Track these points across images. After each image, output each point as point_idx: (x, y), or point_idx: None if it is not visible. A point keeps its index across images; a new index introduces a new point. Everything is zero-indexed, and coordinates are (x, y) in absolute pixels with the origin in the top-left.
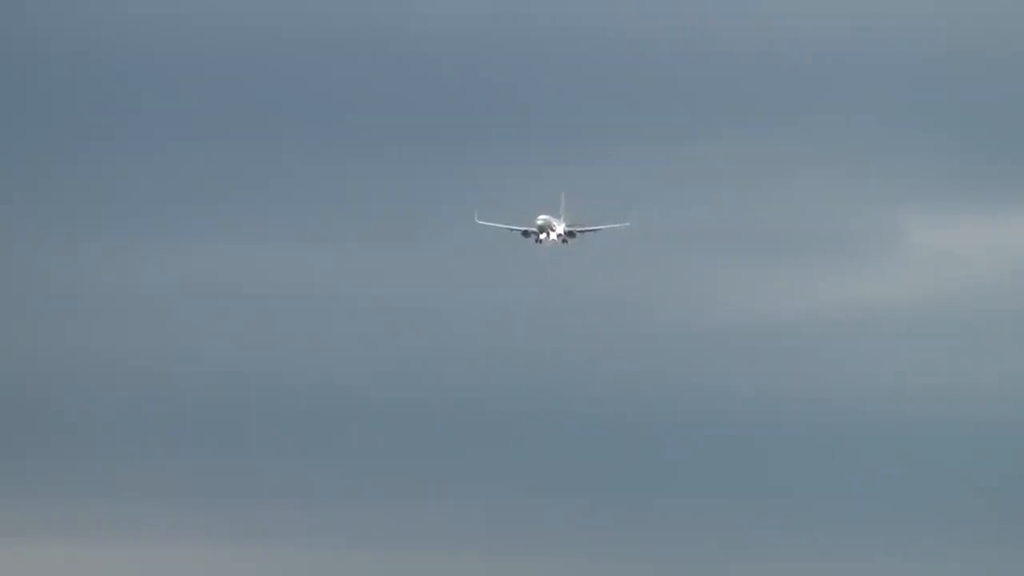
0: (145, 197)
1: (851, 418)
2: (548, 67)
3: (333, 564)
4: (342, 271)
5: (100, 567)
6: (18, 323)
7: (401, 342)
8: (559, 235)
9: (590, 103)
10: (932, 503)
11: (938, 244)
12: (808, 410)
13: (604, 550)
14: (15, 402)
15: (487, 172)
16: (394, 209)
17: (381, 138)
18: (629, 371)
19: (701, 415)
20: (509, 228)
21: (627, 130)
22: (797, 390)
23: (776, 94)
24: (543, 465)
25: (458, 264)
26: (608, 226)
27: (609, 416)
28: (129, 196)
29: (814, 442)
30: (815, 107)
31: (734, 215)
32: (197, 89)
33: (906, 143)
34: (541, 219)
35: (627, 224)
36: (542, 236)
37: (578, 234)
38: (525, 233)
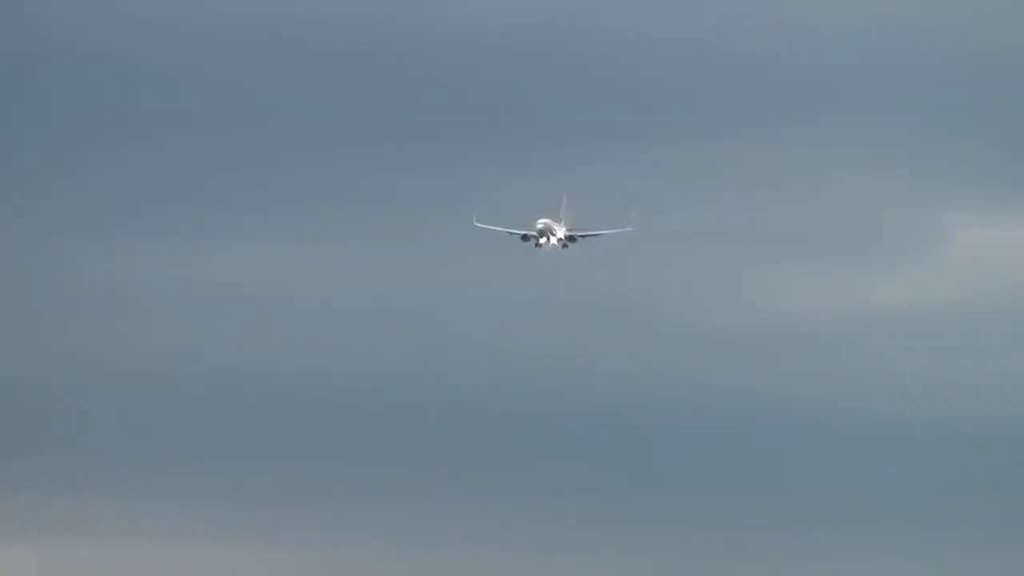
0: (145, 197)
1: (893, 419)
2: (548, 67)
3: (333, 564)
4: (341, 271)
5: (100, 567)
6: (18, 323)
7: (399, 343)
8: (559, 239)
9: (594, 103)
10: (967, 504)
11: (980, 244)
12: (849, 409)
13: (609, 550)
14: (15, 402)
15: (486, 173)
16: (393, 210)
17: (380, 139)
18: (661, 375)
19: (736, 416)
20: (508, 232)
21: (645, 131)
22: (835, 391)
23: (811, 95)
24: (546, 466)
25: (456, 268)
26: (611, 231)
27: (641, 420)
28: (129, 196)
29: (852, 442)
30: (856, 107)
31: (770, 216)
32: (197, 89)
33: (948, 143)
34: (541, 223)
35: (630, 229)
36: (542, 240)
37: (579, 238)
38: (525, 237)
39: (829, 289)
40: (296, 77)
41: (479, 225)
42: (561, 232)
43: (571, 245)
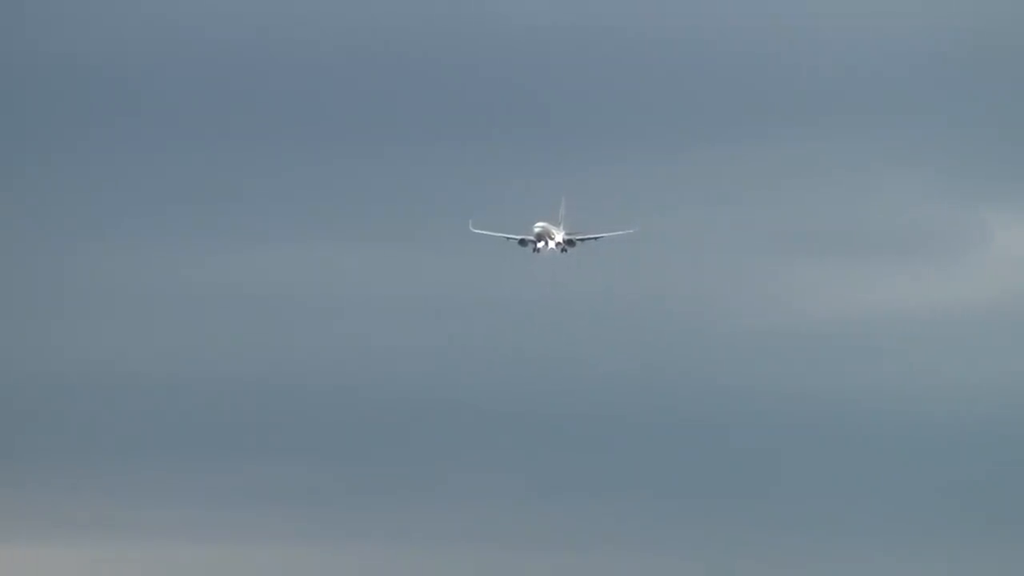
0: (145, 197)
1: (931, 418)
2: (546, 67)
3: (334, 564)
4: (338, 272)
5: (100, 567)
6: (18, 323)
7: (399, 343)
8: (558, 243)
9: (593, 104)
10: (1017, 505)
11: (1020, 244)
12: (889, 409)
13: (611, 549)
14: (15, 402)
15: (482, 177)
16: (389, 212)
17: (378, 140)
18: (708, 375)
19: (783, 415)
20: (506, 237)
21: (646, 132)
22: (876, 390)
23: (848, 96)
24: (551, 466)
25: (454, 272)
26: (612, 233)
27: (677, 420)
28: (129, 196)
29: (891, 440)
30: (899, 108)
31: (806, 217)
32: (197, 90)
33: (987, 143)
34: (539, 226)
35: (631, 231)
36: (540, 245)
37: (578, 242)
38: (522, 242)
39: (912, 289)
40: (295, 79)
41: (475, 231)
42: (559, 236)
43: (570, 249)
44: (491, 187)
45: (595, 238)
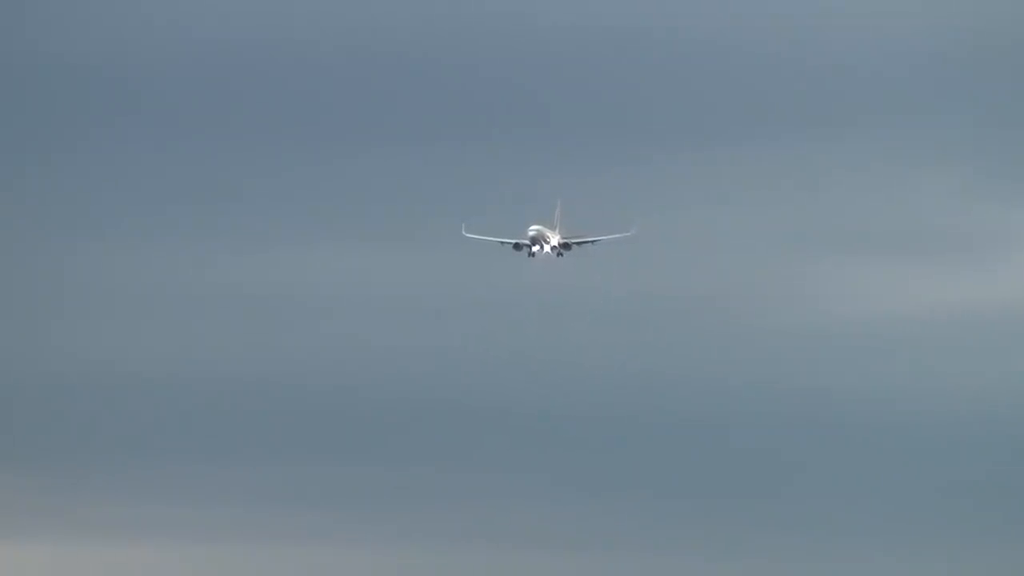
0: (145, 197)
1: (976, 417)
2: (541, 68)
3: (334, 564)
4: (334, 273)
5: (100, 567)
6: (18, 323)
7: (397, 344)
8: (554, 247)
9: (590, 104)
10: None
11: None
12: (929, 409)
13: (612, 549)
14: (16, 402)
15: (475, 179)
16: (388, 213)
17: (378, 141)
18: (752, 374)
19: (789, 415)
20: (500, 241)
21: (647, 134)
22: (920, 390)
23: (885, 96)
24: (559, 465)
25: (454, 273)
26: (609, 236)
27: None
28: (129, 196)
29: (934, 440)
30: (941, 108)
31: (814, 217)
32: (195, 91)
33: (1017, 144)
34: (533, 229)
35: (629, 233)
36: (535, 249)
37: (575, 246)
38: (517, 246)
39: (953, 289)
40: (295, 80)
41: (468, 235)
42: (555, 240)
43: (566, 253)
44: (487, 189)
45: (592, 241)
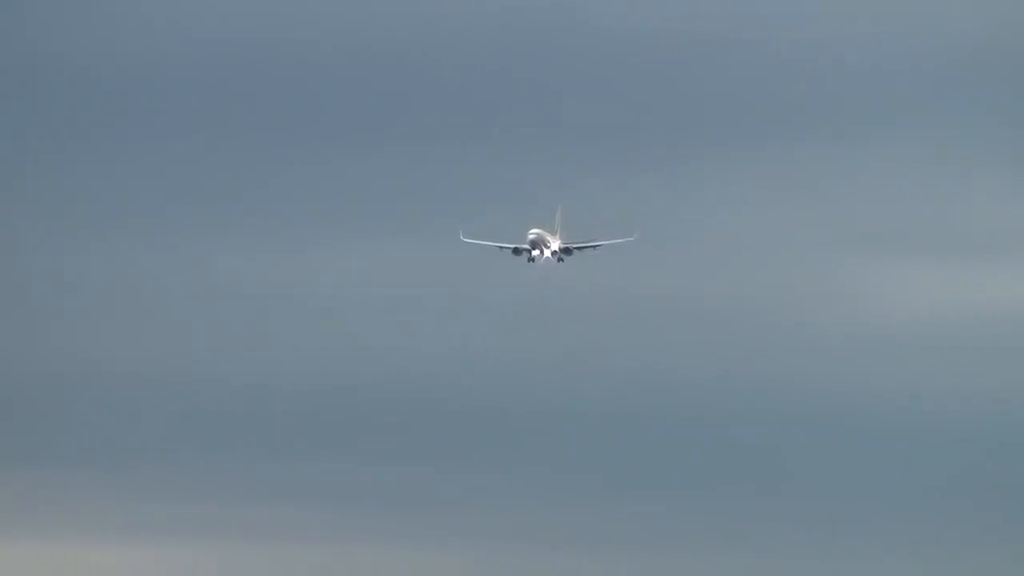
0: (145, 197)
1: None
2: (536, 67)
3: (334, 564)
4: (337, 273)
5: (100, 567)
6: (17, 323)
7: (397, 344)
8: (554, 252)
9: (587, 104)
10: None
11: None
12: (965, 410)
13: (610, 550)
14: (16, 402)
15: (474, 184)
16: (388, 213)
17: (375, 141)
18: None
19: (795, 414)
20: (499, 246)
21: (651, 134)
22: (959, 390)
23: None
24: (566, 465)
25: (453, 273)
26: (610, 241)
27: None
28: (129, 196)
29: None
30: (980, 109)
31: (894, 218)
32: (194, 91)
33: None
34: (533, 233)
35: (631, 238)
36: (535, 253)
37: (575, 250)
38: (516, 251)
39: (996, 290)
40: (294, 81)
41: (466, 240)
42: (555, 244)
43: (567, 258)
44: (486, 192)
45: (593, 246)
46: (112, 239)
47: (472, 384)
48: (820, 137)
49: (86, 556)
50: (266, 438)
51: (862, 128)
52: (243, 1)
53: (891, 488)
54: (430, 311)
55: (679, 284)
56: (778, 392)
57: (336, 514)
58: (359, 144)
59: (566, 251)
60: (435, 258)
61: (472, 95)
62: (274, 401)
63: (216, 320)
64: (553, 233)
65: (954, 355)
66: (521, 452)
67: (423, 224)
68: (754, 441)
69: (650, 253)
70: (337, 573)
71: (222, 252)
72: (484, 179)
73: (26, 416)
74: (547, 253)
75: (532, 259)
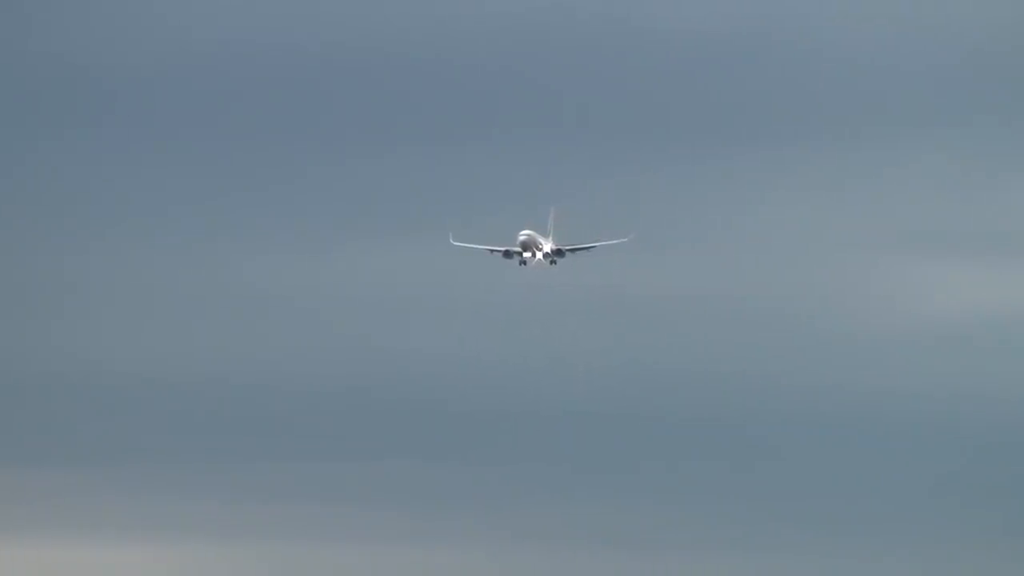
0: (146, 197)
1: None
2: (529, 67)
3: (334, 564)
4: (338, 272)
5: (100, 567)
6: (17, 323)
7: (395, 344)
8: (546, 254)
9: (583, 103)
10: None
11: None
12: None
13: (609, 549)
14: (15, 402)
15: (464, 185)
16: (384, 213)
17: (374, 141)
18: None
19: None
20: (489, 249)
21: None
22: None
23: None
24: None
25: (453, 273)
26: (605, 243)
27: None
28: (130, 196)
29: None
30: (989, 110)
31: (833, 222)
32: (193, 92)
33: None
34: (523, 235)
35: (626, 240)
36: (526, 255)
37: (568, 252)
38: (507, 254)
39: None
40: (294, 81)
41: (456, 243)
42: (547, 246)
43: (559, 260)
44: (478, 195)
45: (587, 248)
46: (112, 239)
47: (469, 385)
48: (817, 137)
49: (86, 556)
50: (264, 438)
51: (858, 128)
52: (234, 2)
53: (911, 488)
54: (422, 313)
55: (675, 285)
56: (777, 392)
57: (335, 514)
58: (352, 146)
59: (559, 253)
60: (426, 261)
61: (464, 96)
62: (269, 401)
63: (215, 320)
64: (545, 235)
65: (961, 355)
66: (518, 452)
67: (414, 226)
68: (752, 441)
69: (646, 255)
70: (337, 573)
71: (221, 252)
72: (477, 181)
73: (26, 416)
74: (539, 255)
75: (523, 262)
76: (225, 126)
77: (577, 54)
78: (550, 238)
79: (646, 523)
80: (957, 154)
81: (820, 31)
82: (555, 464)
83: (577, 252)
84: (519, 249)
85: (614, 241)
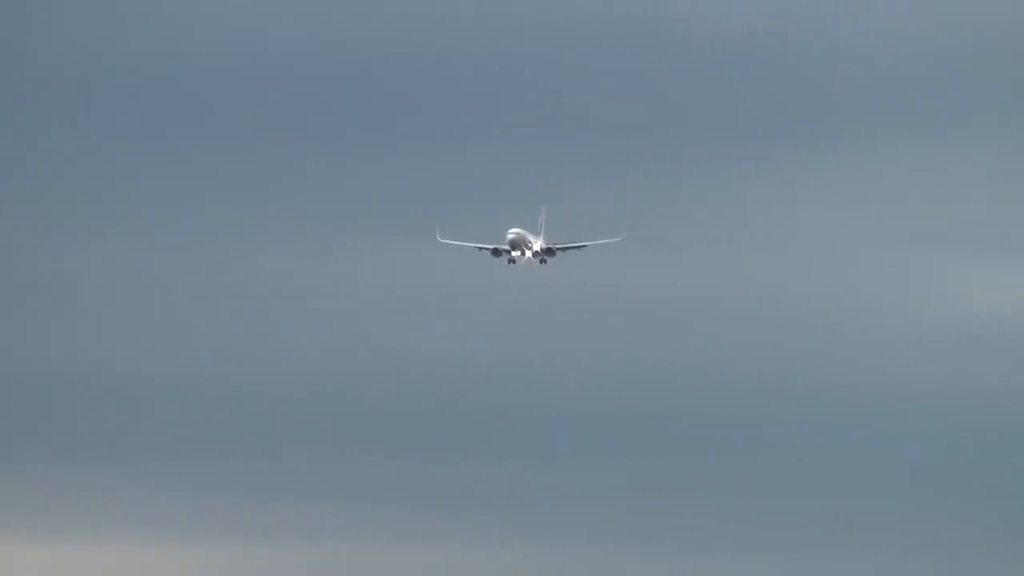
0: (146, 197)
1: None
2: (523, 65)
3: (334, 564)
4: (337, 273)
5: (101, 567)
6: (17, 323)
7: (395, 344)
8: (536, 253)
9: (583, 102)
10: None
11: None
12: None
13: (610, 549)
14: (15, 402)
15: (452, 182)
16: (382, 214)
17: (372, 140)
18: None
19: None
20: (477, 247)
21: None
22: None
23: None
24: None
25: (451, 273)
26: (596, 242)
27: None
28: (130, 196)
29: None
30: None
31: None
32: (192, 92)
33: None
34: (512, 232)
35: (618, 239)
36: (515, 254)
37: (559, 251)
38: (496, 252)
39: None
40: (293, 82)
41: (443, 241)
42: (538, 245)
43: (549, 259)
44: (469, 193)
45: (578, 247)
46: (112, 239)
47: (465, 385)
48: (814, 137)
49: (86, 556)
50: (262, 438)
51: (856, 128)
52: (231, 3)
53: (919, 488)
54: (412, 312)
55: (667, 285)
56: (772, 391)
57: (334, 512)
58: (349, 146)
59: (549, 252)
60: (413, 259)
61: (457, 96)
62: (269, 400)
63: (215, 320)
64: (536, 234)
65: (970, 355)
66: (514, 452)
67: (413, 226)
68: (748, 440)
69: (638, 254)
70: (337, 573)
71: (221, 252)
72: (467, 179)
73: (26, 416)
74: (528, 254)
75: (512, 260)
76: (225, 126)
77: (569, 53)
78: (541, 237)
79: (646, 523)
80: (966, 154)
81: (820, 31)
82: (547, 462)
83: (568, 251)
84: (508, 247)
85: (606, 240)
